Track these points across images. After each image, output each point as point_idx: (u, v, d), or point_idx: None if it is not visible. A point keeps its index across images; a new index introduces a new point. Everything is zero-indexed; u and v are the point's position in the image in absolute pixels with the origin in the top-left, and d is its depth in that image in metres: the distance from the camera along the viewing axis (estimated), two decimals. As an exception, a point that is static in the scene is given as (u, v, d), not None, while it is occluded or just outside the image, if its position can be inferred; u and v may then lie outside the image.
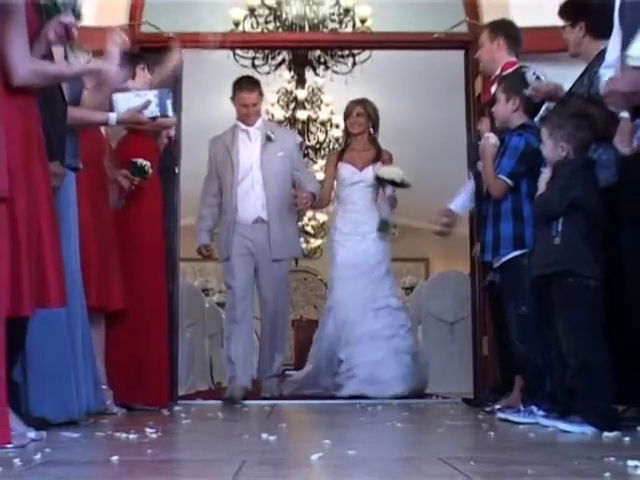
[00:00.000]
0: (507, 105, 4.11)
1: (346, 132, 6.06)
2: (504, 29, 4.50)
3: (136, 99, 4.01)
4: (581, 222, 3.40)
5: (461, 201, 4.81)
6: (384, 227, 5.73)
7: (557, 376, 3.46)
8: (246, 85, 5.57)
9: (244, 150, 5.59)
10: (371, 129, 5.92)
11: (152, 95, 4.04)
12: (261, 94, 5.65)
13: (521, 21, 4.59)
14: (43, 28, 2.98)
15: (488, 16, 5.45)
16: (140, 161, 4.64)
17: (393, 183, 5.64)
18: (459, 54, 5.89)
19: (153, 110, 4.03)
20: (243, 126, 5.62)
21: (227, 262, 5.58)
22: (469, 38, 5.73)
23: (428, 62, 6.80)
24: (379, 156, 5.85)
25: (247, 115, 5.57)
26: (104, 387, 4.27)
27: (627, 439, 2.93)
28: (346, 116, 5.94)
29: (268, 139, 5.56)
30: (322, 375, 5.79)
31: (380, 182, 5.71)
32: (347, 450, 2.52)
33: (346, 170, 5.85)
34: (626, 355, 3.38)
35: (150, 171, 4.68)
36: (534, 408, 3.55)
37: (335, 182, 5.99)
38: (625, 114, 3.16)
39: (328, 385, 5.75)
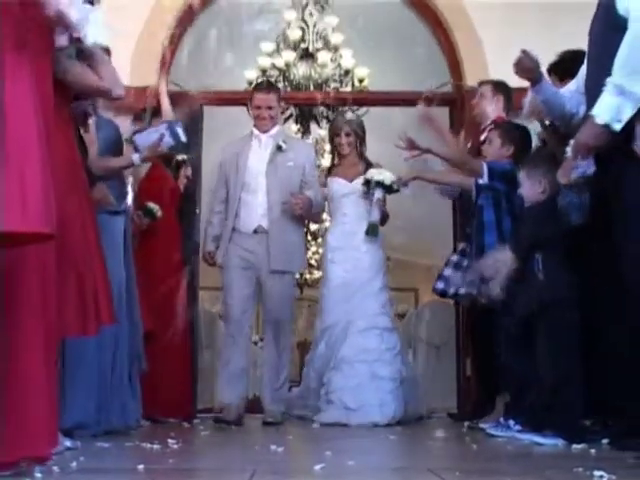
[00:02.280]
0: (501, 149, 4.07)
1: (334, 150, 5.29)
2: (505, 89, 4.60)
3: (153, 134, 4.03)
4: (556, 257, 3.41)
5: None
6: (372, 231, 4.88)
7: (535, 393, 3.45)
8: (262, 87, 4.86)
9: (253, 157, 4.74)
10: (358, 146, 5.16)
11: (163, 128, 4.03)
12: (279, 100, 4.86)
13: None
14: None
15: (470, 78, 5.52)
16: (150, 205, 4.78)
17: (382, 185, 4.85)
18: (444, 110, 5.94)
19: (167, 141, 4.02)
20: (256, 132, 4.78)
21: (225, 274, 4.69)
22: (453, 96, 5.78)
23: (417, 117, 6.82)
24: (369, 169, 5.03)
25: (261, 118, 4.73)
26: None
27: (593, 451, 2.93)
28: (333, 136, 5.21)
29: (278, 148, 4.70)
30: (311, 396, 4.94)
31: (369, 185, 4.91)
32: (346, 460, 2.51)
33: (336, 183, 5.11)
34: (593, 375, 3.38)
35: (159, 214, 4.80)
36: (511, 422, 3.53)
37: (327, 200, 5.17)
38: (569, 152, 3.21)
39: (314, 406, 4.88)
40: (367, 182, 4.92)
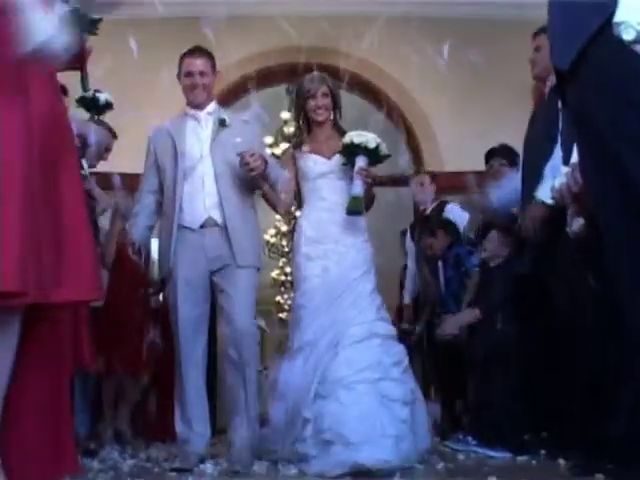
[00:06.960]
0: (442, 241, 4.23)
1: (304, 119, 3.34)
2: (435, 178, 4.79)
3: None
4: (512, 309, 3.45)
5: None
6: (354, 205, 3.13)
7: (490, 414, 3.43)
8: (192, 51, 3.21)
9: (192, 138, 3.17)
10: (332, 113, 3.34)
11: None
12: (213, 67, 3.22)
13: (454, 167, 4.78)
14: None
15: (428, 165, 5.65)
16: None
17: (365, 150, 3.12)
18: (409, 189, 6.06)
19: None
20: (191, 111, 3.21)
21: (169, 284, 3.13)
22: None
23: (389, 195, 6.91)
24: None
25: (193, 87, 3.16)
26: None
27: (534, 462, 2.94)
28: (306, 98, 3.28)
29: (222, 123, 3.16)
30: (280, 439, 2.95)
31: (349, 152, 3.16)
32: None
33: (310, 160, 3.27)
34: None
35: None
36: (470, 439, 3.53)
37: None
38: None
39: (288, 455, 2.89)
40: (346, 148, 3.17)
